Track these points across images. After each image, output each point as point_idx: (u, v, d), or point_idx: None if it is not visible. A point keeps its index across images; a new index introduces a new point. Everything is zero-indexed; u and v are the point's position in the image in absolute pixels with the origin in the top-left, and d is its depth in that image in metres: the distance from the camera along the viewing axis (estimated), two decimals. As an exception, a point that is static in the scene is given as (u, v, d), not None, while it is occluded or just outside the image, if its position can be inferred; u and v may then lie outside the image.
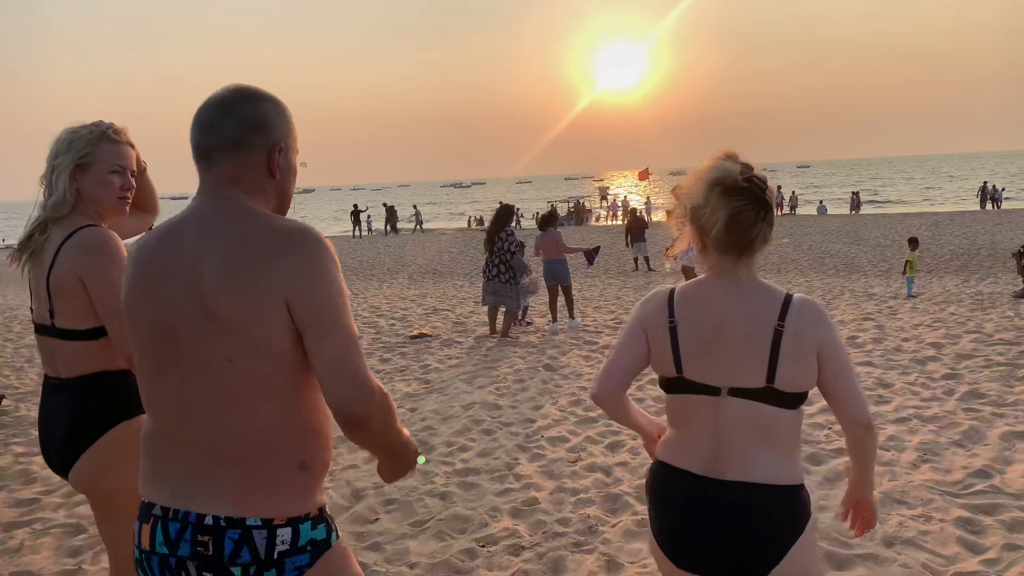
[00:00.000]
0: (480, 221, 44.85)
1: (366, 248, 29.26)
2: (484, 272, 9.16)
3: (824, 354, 1.72)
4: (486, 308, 9.37)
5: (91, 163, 2.11)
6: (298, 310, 1.39)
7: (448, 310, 11.30)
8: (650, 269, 19.37)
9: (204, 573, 1.40)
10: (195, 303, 1.42)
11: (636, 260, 20.17)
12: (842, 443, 4.59)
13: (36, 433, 5.00)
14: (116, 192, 2.15)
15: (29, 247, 2.15)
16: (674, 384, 1.81)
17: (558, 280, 9.36)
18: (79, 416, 2.10)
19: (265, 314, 1.39)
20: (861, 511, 1.92)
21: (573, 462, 4.50)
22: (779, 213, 41.63)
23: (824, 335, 1.72)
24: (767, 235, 1.77)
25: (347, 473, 4.46)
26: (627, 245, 20.88)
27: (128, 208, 2.22)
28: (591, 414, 5.45)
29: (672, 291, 1.84)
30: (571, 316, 9.47)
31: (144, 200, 2.40)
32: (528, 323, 9.76)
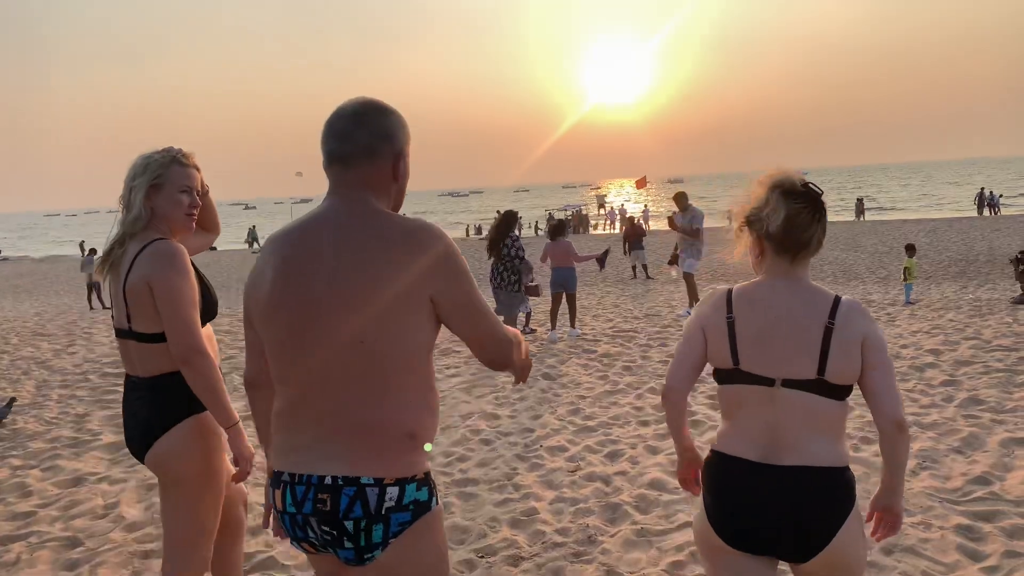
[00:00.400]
0: (479, 230, 44.87)
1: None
2: (491, 280, 9.05)
3: (867, 348, 1.86)
4: None
5: (163, 184, 2.36)
6: (441, 300, 1.67)
7: (446, 319, 11.29)
8: (648, 277, 19.37)
9: (323, 527, 1.63)
10: (336, 291, 1.64)
11: (634, 268, 20.19)
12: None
13: (33, 446, 4.98)
14: (185, 210, 2.40)
15: (110, 260, 2.39)
16: (730, 375, 1.95)
17: (565, 287, 9.34)
18: (152, 412, 2.35)
19: (399, 302, 1.63)
20: (887, 517, 1.98)
21: (572, 472, 4.48)
22: (777, 220, 41.71)
23: (869, 331, 1.88)
24: (820, 239, 1.95)
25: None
26: (625, 253, 20.91)
27: (194, 225, 2.48)
28: (590, 423, 5.44)
29: (730, 291, 2.00)
30: (572, 325, 9.45)
31: (206, 220, 2.65)
32: (531, 331, 9.74)
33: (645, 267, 19.57)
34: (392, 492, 1.62)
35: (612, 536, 3.60)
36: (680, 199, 10.93)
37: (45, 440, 5.52)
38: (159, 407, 2.34)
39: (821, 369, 1.85)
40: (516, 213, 9.45)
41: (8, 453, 5.21)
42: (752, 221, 1.97)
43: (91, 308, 16.78)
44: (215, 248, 45.27)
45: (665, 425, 5.22)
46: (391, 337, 1.64)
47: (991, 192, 40.01)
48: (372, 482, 1.62)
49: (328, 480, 1.62)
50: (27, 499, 4.36)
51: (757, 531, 1.89)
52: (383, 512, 1.62)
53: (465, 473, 4.54)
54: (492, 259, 9.02)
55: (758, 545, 1.91)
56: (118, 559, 3.59)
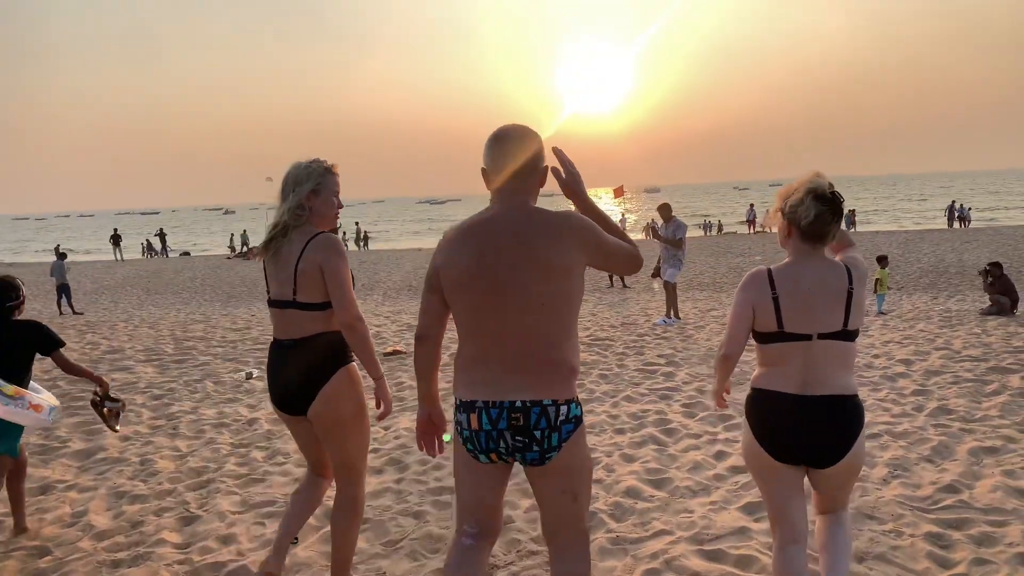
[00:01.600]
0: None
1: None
2: None
3: (861, 301, 2.56)
4: None
5: (321, 189, 2.96)
6: (595, 256, 2.34)
7: (423, 327, 11.26)
8: (624, 286, 19.45)
9: (516, 437, 2.27)
10: (523, 268, 2.25)
11: (611, 277, 20.27)
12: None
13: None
14: (334, 210, 3.03)
15: (273, 246, 2.94)
16: (773, 336, 2.56)
17: None
18: (313, 364, 2.89)
19: (573, 264, 2.29)
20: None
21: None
22: (751, 231, 42.12)
23: (865, 290, 2.57)
24: (835, 233, 2.57)
25: (319, 492, 4.41)
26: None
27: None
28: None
29: (769, 271, 2.58)
30: None
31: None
32: None
33: (622, 276, 19.66)
34: (563, 410, 2.27)
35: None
36: (664, 210, 11.22)
37: (12, 447, 5.40)
38: (319, 359, 2.89)
39: (845, 322, 2.51)
40: None
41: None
42: (788, 212, 2.58)
43: (60, 313, 16.51)
44: (188, 254, 44.80)
45: (640, 433, 5.25)
46: (563, 298, 2.28)
47: (961, 205, 40.75)
48: (551, 403, 2.26)
49: (519, 403, 2.25)
50: (-8, 507, 4.27)
51: (797, 446, 2.54)
52: (558, 424, 2.27)
53: (440, 481, 4.51)
54: None
55: (796, 457, 2.55)
56: (87, 568, 3.52)
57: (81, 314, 16.14)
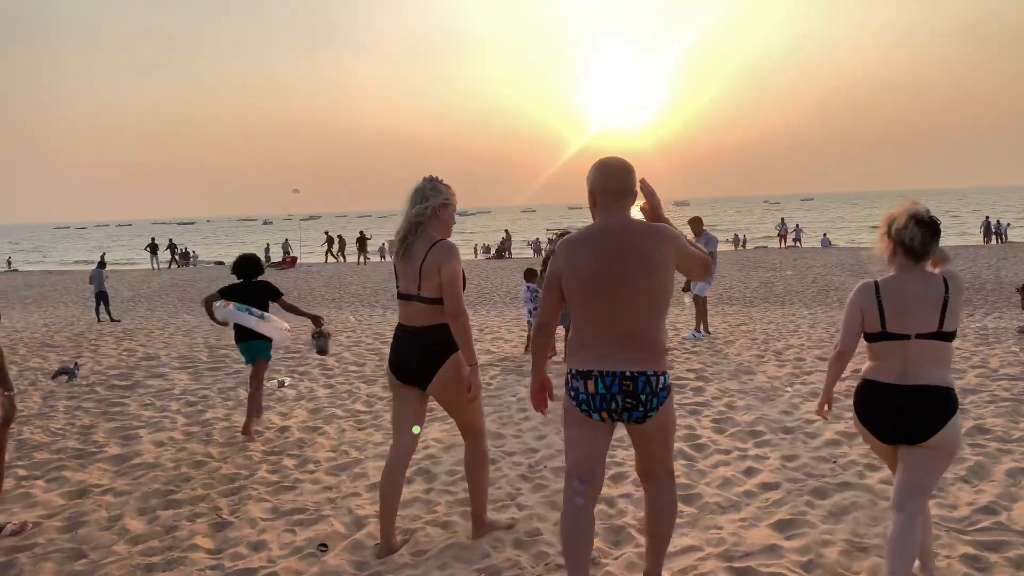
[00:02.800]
0: (487, 249, 44.94)
1: (370, 274, 29.31)
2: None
3: (957, 308, 3.03)
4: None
5: (448, 204, 3.65)
6: (681, 258, 2.96)
7: (452, 338, 11.31)
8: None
9: (626, 399, 2.87)
10: (632, 266, 2.87)
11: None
12: (846, 477, 4.57)
13: (39, 457, 4.99)
14: (452, 222, 3.70)
15: (404, 246, 3.61)
16: (878, 336, 3.06)
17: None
18: (429, 349, 3.57)
19: (668, 262, 2.91)
20: None
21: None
22: (782, 245, 41.66)
23: (962, 297, 3.06)
24: (935, 250, 3.08)
25: (348, 501, 4.45)
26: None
27: None
28: (594, 445, 5.42)
29: (876, 283, 3.09)
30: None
31: None
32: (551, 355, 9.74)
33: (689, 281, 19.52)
34: (661, 379, 2.91)
35: (616, 559, 3.59)
36: (695, 224, 11.14)
37: (51, 451, 5.54)
38: (438, 345, 3.56)
39: (940, 324, 2.99)
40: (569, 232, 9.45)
41: (14, 463, 5.23)
42: (894, 235, 3.07)
43: (99, 320, 16.84)
44: (223, 263, 45.46)
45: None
46: (660, 289, 2.91)
47: (997, 220, 39.95)
48: (652, 374, 2.89)
49: (628, 373, 2.87)
50: (32, 509, 4.38)
51: (893, 428, 3.04)
52: (658, 390, 2.90)
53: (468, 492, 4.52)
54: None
55: (893, 437, 3.06)
56: (121, 571, 3.59)
57: (118, 321, 16.43)
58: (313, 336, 6.20)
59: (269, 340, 6.00)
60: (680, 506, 4.19)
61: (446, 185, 3.66)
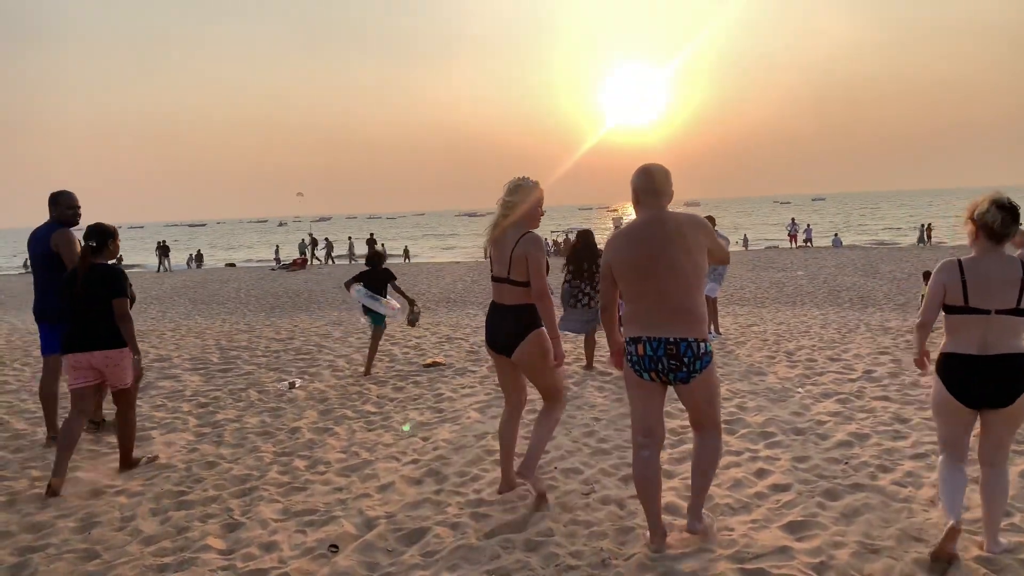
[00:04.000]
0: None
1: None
2: (575, 297, 8.57)
3: None
4: (580, 337, 9.13)
5: (541, 202, 4.28)
6: (711, 244, 3.55)
7: (462, 339, 11.31)
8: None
9: (671, 361, 3.45)
10: (678, 243, 3.45)
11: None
12: (858, 479, 4.54)
13: (52, 457, 5.02)
14: (540, 215, 4.31)
15: (494, 236, 4.27)
16: (959, 309, 3.45)
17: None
18: (517, 324, 4.18)
19: (702, 246, 3.51)
20: None
21: (586, 494, 4.47)
22: (793, 245, 41.49)
23: None
24: (1015, 232, 3.46)
25: (359, 502, 4.46)
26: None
27: None
28: (604, 446, 5.42)
29: (960, 261, 3.48)
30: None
31: None
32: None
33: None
34: (702, 345, 3.47)
35: (626, 560, 3.58)
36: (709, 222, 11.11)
37: (64, 452, 5.56)
38: (524, 321, 4.17)
39: (1018, 302, 3.36)
40: (590, 231, 9.19)
41: (28, 464, 5.27)
42: (977, 218, 3.46)
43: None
44: (233, 265, 45.61)
45: (680, 449, 5.21)
46: (696, 269, 3.49)
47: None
48: (693, 340, 3.45)
49: (671, 339, 3.45)
50: (45, 510, 4.40)
51: (977, 393, 3.43)
52: (700, 354, 3.46)
53: (479, 493, 4.53)
54: (579, 280, 8.62)
55: (977, 401, 3.46)
56: (134, 572, 3.61)
57: (130, 323, 16.52)
58: (408, 316, 8.61)
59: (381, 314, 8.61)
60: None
61: (535, 182, 4.25)
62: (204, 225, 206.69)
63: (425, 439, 5.74)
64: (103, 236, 5.03)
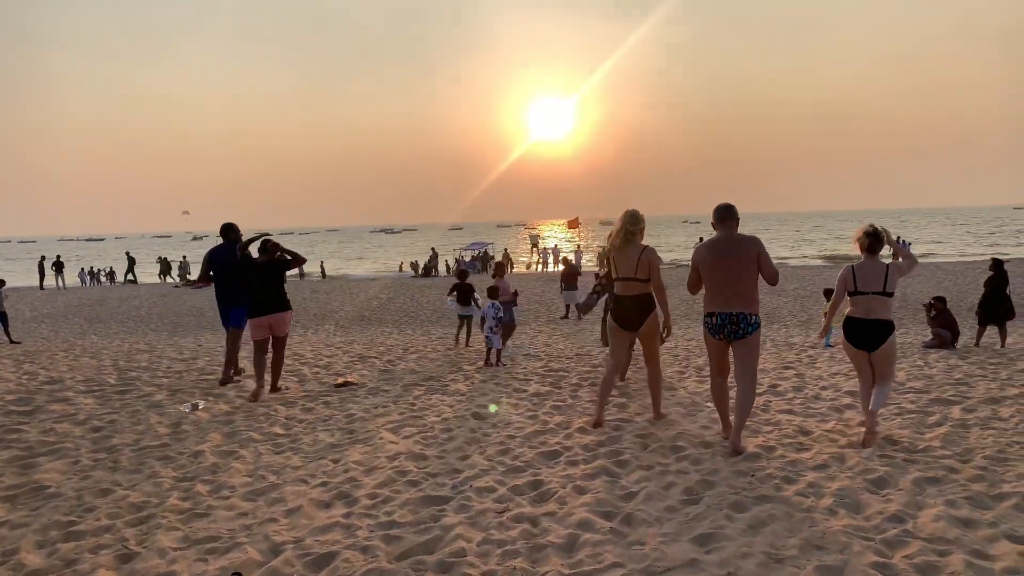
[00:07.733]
0: (414, 266, 44.65)
1: (291, 294, 28.64)
2: (596, 293, 11.35)
3: (894, 279, 5.79)
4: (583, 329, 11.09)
5: (643, 226, 6.26)
6: (762, 258, 5.45)
7: (375, 358, 11.12)
8: (580, 317, 19.55)
9: (733, 326, 5.48)
10: (738, 258, 5.43)
11: (567, 307, 20.37)
12: (764, 490, 4.66)
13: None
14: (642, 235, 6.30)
15: (619, 248, 6.19)
16: (853, 292, 5.85)
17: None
18: (642, 308, 6.18)
19: (756, 257, 5.43)
20: None
21: (501, 513, 4.43)
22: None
23: (897, 276, 5.79)
24: (879, 248, 5.92)
25: (265, 527, 4.28)
26: (562, 292, 21.12)
27: None
28: (518, 463, 5.40)
29: (852, 265, 5.89)
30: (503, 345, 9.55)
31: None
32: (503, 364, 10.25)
33: (578, 307, 19.78)
34: (753, 318, 5.45)
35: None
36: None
37: (-61, 482, 5.15)
38: (645, 307, 6.16)
39: (883, 287, 5.69)
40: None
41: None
42: (858, 241, 5.88)
43: (-2, 342, 15.89)
44: (135, 281, 43.66)
45: (593, 465, 5.24)
46: (752, 271, 5.41)
47: (901, 238, 42.08)
48: (748, 314, 5.44)
49: (734, 313, 5.44)
50: None
51: (861, 341, 5.83)
52: (752, 323, 5.45)
53: (390, 515, 4.43)
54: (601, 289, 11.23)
55: (864, 345, 5.84)
56: (14, 611, 3.35)
57: (19, 343, 15.56)
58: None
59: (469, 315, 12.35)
60: (603, 522, 4.21)
61: (642, 215, 6.20)
62: (103, 240, 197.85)
63: (335, 461, 5.59)
64: (269, 245, 8.12)
